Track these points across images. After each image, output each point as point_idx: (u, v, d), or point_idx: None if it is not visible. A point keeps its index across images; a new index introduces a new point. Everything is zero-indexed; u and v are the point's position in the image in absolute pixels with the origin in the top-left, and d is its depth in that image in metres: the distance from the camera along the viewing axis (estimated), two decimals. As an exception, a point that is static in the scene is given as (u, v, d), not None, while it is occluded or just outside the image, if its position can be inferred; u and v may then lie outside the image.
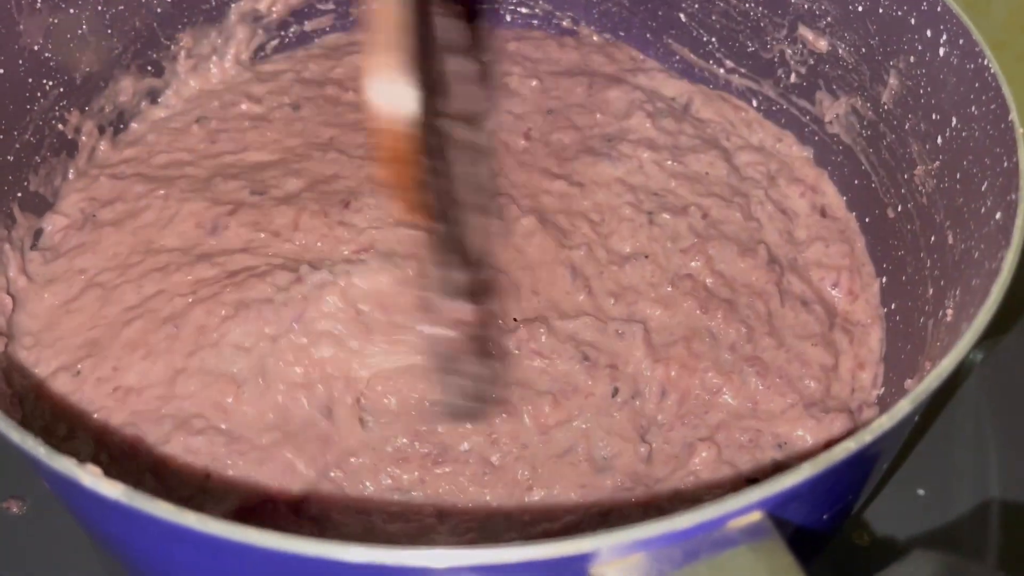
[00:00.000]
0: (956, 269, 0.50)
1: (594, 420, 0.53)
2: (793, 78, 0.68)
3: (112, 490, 0.33)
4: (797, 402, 0.54)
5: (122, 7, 0.65)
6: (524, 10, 0.78)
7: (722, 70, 0.72)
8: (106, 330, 0.55)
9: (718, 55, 0.72)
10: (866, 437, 0.35)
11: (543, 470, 0.52)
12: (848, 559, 0.53)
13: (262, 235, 0.59)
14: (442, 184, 0.52)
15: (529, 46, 0.76)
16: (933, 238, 0.54)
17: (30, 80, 0.59)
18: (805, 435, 0.54)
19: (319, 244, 0.59)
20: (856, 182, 0.64)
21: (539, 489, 0.51)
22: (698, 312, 0.57)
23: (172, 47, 0.69)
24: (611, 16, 0.76)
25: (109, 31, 0.64)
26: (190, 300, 0.55)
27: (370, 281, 0.55)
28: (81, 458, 0.50)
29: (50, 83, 0.60)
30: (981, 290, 0.44)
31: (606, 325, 0.57)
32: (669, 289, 0.58)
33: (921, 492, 0.56)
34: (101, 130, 0.66)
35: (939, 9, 0.53)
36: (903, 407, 0.37)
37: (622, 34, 0.76)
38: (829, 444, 0.51)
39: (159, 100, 0.69)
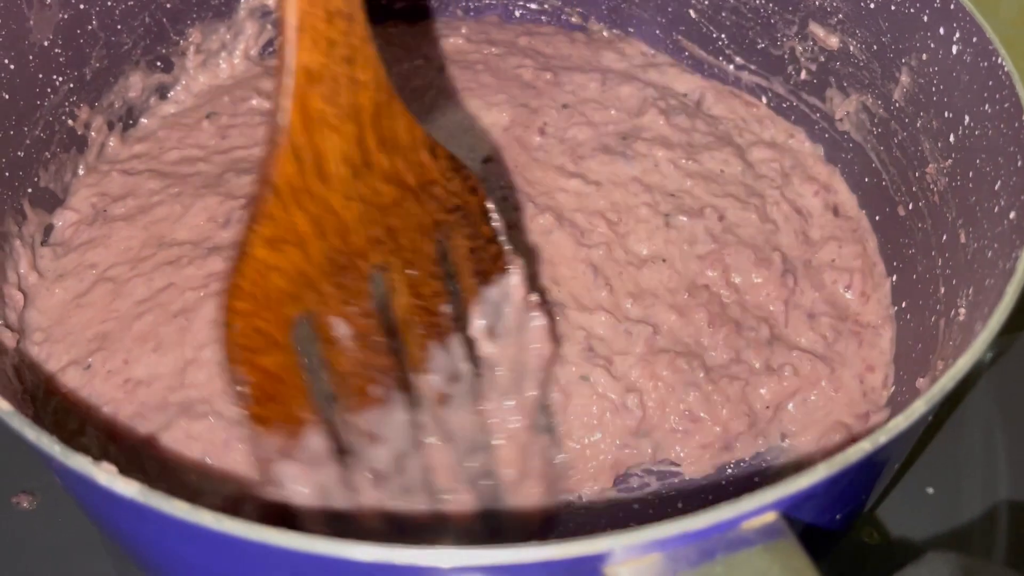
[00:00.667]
0: (968, 268, 0.50)
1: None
2: (803, 75, 0.67)
3: (128, 489, 0.33)
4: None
5: (132, 2, 0.65)
6: (533, 5, 0.78)
7: (731, 67, 0.72)
8: (116, 324, 0.55)
9: (728, 52, 0.71)
10: (881, 438, 0.35)
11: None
12: (858, 558, 0.53)
13: None
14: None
15: (540, 41, 0.75)
16: (945, 237, 0.54)
17: (40, 76, 0.59)
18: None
19: None
20: (866, 180, 0.64)
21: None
22: (707, 327, 0.57)
23: (181, 43, 0.69)
24: (620, 12, 0.76)
25: (119, 27, 0.64)
26: (202, 294, 0.55)
27: None
28: (92, 453, 0.51)
29: (60, 79, 0.60)
30: (995, 290, 0.43)
31: (619, 324, 0.56)
32: (686, 296, 0.58)
33: (931, 491, 0.56)
34: (111, 126, 0.66)
35: (952, 7, 0.53)
36: (918, 407, 0.37)
37: (631, 30, 0.76)
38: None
39: (168, 96, 0.69)
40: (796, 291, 0.60)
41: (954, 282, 0.52)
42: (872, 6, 0.60)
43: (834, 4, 0.63)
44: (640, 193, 0.62)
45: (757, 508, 0.33)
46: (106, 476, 0.34)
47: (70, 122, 0.62)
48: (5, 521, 0.54)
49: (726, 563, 0.32)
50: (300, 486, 0.42)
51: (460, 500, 0.47)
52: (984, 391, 0.60)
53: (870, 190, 0.64)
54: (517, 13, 0.78)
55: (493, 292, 0.50)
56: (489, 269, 0.49)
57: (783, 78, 0.69)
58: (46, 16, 0.58)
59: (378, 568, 0.32)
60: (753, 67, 0.70)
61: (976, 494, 0.56)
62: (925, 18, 0.55)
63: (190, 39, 0.69)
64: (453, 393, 0.48)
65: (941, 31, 0.54)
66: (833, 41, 0.64)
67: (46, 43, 0.59)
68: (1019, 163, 0.47)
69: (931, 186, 0.56)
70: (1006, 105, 0.49)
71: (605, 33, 0.77)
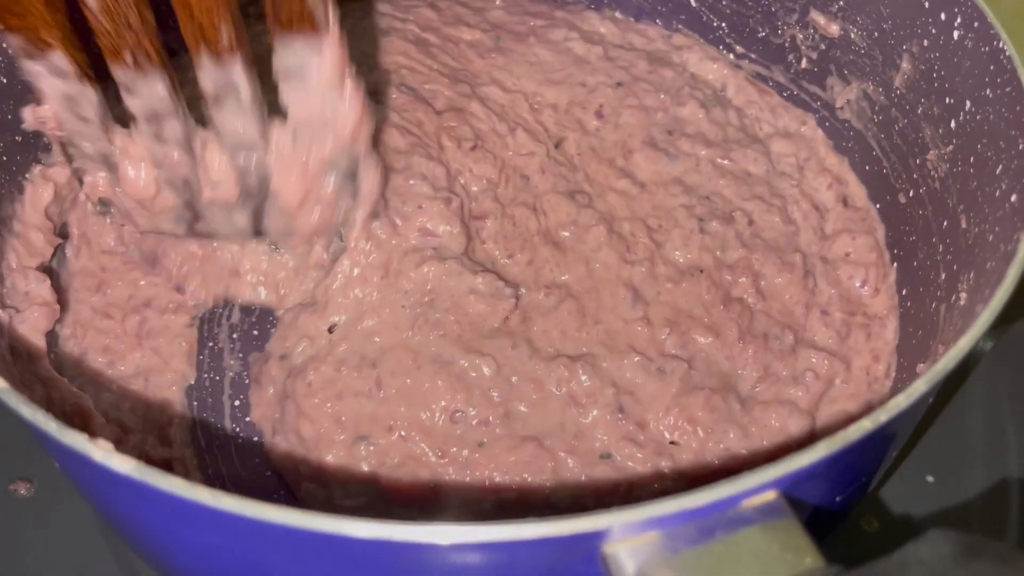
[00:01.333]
0: (969, 253, 0.50)
1: None
2: (804, 63, 0.67)
3: (123, 465, 0.33)
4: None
5: None
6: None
7: (732, 56, 0.71)
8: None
9: (728, 40, 0.71)
10: (882, 417, 0.35)
11: None
12: (858, 544, 0.53)
13: None
14: None
15: (576, 17, 0.75)
16: (946, 223, 0.54)
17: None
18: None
19: None
20: (867, 168, 0.64)
21: None
22: (738, 343, 0.56)
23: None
24: (621, 1, 0.75)
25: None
26: None
27: None
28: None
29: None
30: (996, 272, 0.43)
31: (652, 363, 0.55)
32: (721, 308, 0.57)
33: (930, 479, 0.56)
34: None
35: (954, -8, 0.53)
36: (919, 387, 0.37)
37: (632, 19, 0.76)
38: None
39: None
40: (816, 291, 0.60)
41: (955, 267, 0.51)
42: (873, -8, 0.60)
43: (835, -9, 0.63)
44: (679, 195, 0.63)
45: (757, 486, 0.33)
46: (102, 453, 0.33)
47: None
48: (2, 508, 0.54)
49: (726, 541, 0.32)
50: (43, 86, 0.48)
51: (226, 188, 0.52)
52: (983, 380, 0.60)
53: (871, 178, 0.64)
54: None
55: (297, 55, 0.48)
56: (289, 19, 0.47)
57: (784, 67, 0.69)
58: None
59: (377, 545, 0.32)
60: (754, 56, 0.70)
61: (979, 479, 0.56)
62: (926, 4, 0.55)
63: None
64: (227, 102, 0.49)
65: (943, 16, 0.54)
66: (834, 28, 0.64)
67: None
68: (1020, 146, 0.47)
69: (932, 172, 0.56)
70: (1008, 89, 0.49)
71: (619, 14, 0.76)
